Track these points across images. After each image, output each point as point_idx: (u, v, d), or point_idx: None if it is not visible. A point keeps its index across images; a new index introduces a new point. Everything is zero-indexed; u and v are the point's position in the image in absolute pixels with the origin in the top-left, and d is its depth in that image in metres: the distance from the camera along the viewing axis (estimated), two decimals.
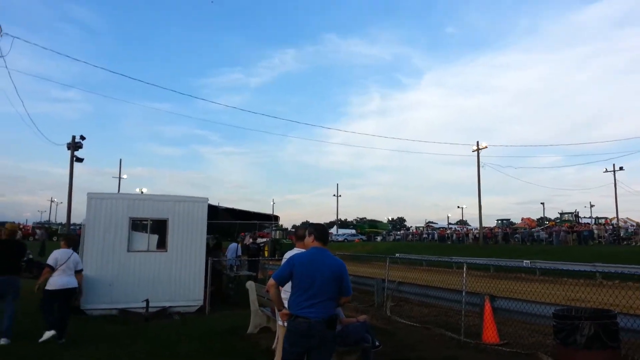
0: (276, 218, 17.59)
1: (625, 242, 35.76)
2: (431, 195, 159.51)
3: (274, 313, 6.54)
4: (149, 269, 10.43)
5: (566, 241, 37.41)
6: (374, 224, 78.13)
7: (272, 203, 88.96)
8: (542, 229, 45.95)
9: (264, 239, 31.16)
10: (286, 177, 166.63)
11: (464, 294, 8.40)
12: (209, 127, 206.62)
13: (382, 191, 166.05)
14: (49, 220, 79.87)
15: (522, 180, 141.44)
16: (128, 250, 10.33)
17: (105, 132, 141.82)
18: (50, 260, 7.27)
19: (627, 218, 50.15)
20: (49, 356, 6.55)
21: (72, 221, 34.32)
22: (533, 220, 61.30)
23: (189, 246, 10.81)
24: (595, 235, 38.12)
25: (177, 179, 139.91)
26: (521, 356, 6.92)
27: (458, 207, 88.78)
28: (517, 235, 44.98)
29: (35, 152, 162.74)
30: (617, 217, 48.58)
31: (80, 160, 31.63)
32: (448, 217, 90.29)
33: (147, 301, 9.80)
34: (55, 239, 43.38)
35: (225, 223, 16.00)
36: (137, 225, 10.71)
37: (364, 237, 65.37)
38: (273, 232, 32.56)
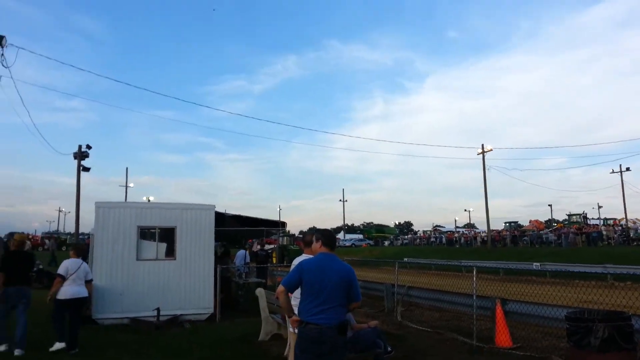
0: (283, 224, 17.58)
1: (635, 243, 35.39)
2: (437, 199, 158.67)
3: (285, 320, 6.54)
4: (159, 277, 10.44)
5: (575, 243, 37.18)
6: (381, 228, 77.92)
7: (278, 209, 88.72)
8: (551, 231, 45.67)
9: (272, 246, 31.16)
10: (291, 183, 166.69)
11: (474, 297, 8.30)
12: (213, 135, 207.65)
13: (387, 196, 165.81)
14: (58, 230, 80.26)
15: (528, 182, 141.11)
16: (137, 259, 10.35)
17: (111, 141, 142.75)
18: (61, 270, 7.33)
19: (637, 219, 49.64)
20: None
21: (80, 230, 34.51)
22: (541, 222, 60.71)
23: (198, 254, 10.81)
24: (604, 237, 37.86)
25: (183, 186, 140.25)
26: (535, 359, 6.86)
27: (465, 210, 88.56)
28: (525, 238, 44.70)
29: (42, 162, 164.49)
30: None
31: (87, 169, 31.77)
32: (455, 220, 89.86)
33: (158, 310, 9.82)
34: (64, 248, 43.58)
35: (233, 230, 16.02)
36: (145, 233, 10.74)
37: (371, 242, 65.25)
38: (280, 239, 32.56)
